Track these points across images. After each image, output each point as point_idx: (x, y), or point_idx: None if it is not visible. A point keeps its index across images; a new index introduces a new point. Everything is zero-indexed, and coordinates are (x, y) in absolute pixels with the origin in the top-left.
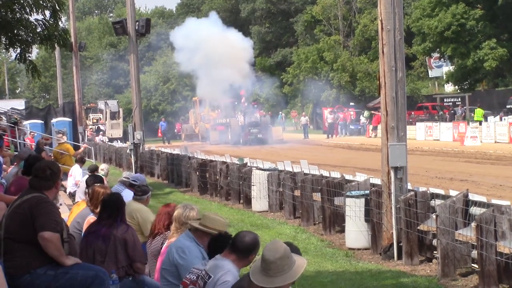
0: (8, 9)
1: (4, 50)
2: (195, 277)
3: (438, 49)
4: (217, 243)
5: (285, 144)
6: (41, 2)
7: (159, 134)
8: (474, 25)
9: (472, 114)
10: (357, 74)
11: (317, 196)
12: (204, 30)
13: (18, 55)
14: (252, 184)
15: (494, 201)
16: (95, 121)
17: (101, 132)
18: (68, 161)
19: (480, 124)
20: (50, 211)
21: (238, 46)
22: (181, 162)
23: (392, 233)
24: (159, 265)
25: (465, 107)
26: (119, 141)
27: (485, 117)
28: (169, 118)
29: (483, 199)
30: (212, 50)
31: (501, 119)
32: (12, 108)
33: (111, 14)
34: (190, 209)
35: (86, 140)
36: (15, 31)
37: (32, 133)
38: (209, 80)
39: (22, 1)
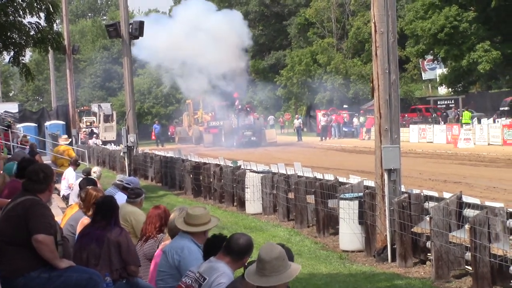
0: (1, 12)
1: None
2: (190, 281)
3: (431, 51)
4: (212, 244)
5: (278, 147)
6: (35, 4)
7: (153, 137)
8: (467, 27)
9: (460, 117)
10: (350, 77)
11: (310, 199)
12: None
13: (12, 58)
14: (245, 186)
15: (488, 203)
16: (88, 124)
17: (94, 135)
18: (65, 163)
19: (473, 126)
20: (43, 214)
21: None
22: (174, 165)
23: (386, 235)
24: (153, 268)
25: (458, 110)
26: (112, 144)
27: (479, 120)
28: (163, 121)
29: (476, 201)
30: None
31: (494, 121)
32: (5, 111)
33: (105, 17)
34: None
35: (79, 143)
36: (9, 34)
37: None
38: (195, 79)
39: (15, 4)
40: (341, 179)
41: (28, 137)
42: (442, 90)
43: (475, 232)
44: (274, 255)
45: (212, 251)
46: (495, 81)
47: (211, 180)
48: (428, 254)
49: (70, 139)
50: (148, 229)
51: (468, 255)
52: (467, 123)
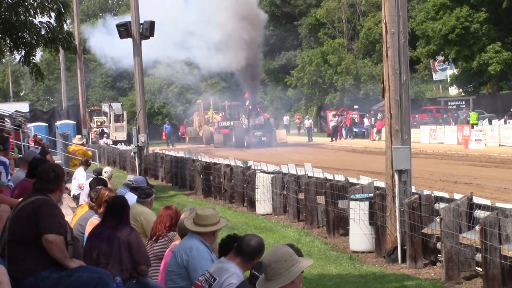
0: (12, 12)
1: (8, 53)
2: (202, 281)
3: (442, 52)
4: (227, 244)
5: (289, 147)
6: (46, 4)
7: (163, 137)
8: (478, 28)
9: (468, 118)
10: (361, 77)
11: (321, 199)
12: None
13: (22, 57)
14: (256, 187)
15: (499, 204)
16: (99, 123)
17: (105, 135)
18: (78, 164)
19: (484, 127)
20: (54, 214)
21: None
22: (185, 165)
23: (396, 236)
24: (163, 268)
25: (469, 110)
26: (123, 143)
27: (490, 120)
28: (173, 121)
29: (487, 202)
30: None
31: (505, 122)
32: (16, 111)
33: (115, 17)
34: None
35: (90, 143)
36: (20, 33)
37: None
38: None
39: (26, 4)
40: (351, 180)
41: (39, 136)
42: (453, 91)
43: (485, 233)
44: (274, 258)
45: (227, 251)
46: (506, 82)
47: (222, 180)
48: (439, 255)
49: (84, 140)
50: (158, 228)
51: (478, 257)
52: (474, 124)
